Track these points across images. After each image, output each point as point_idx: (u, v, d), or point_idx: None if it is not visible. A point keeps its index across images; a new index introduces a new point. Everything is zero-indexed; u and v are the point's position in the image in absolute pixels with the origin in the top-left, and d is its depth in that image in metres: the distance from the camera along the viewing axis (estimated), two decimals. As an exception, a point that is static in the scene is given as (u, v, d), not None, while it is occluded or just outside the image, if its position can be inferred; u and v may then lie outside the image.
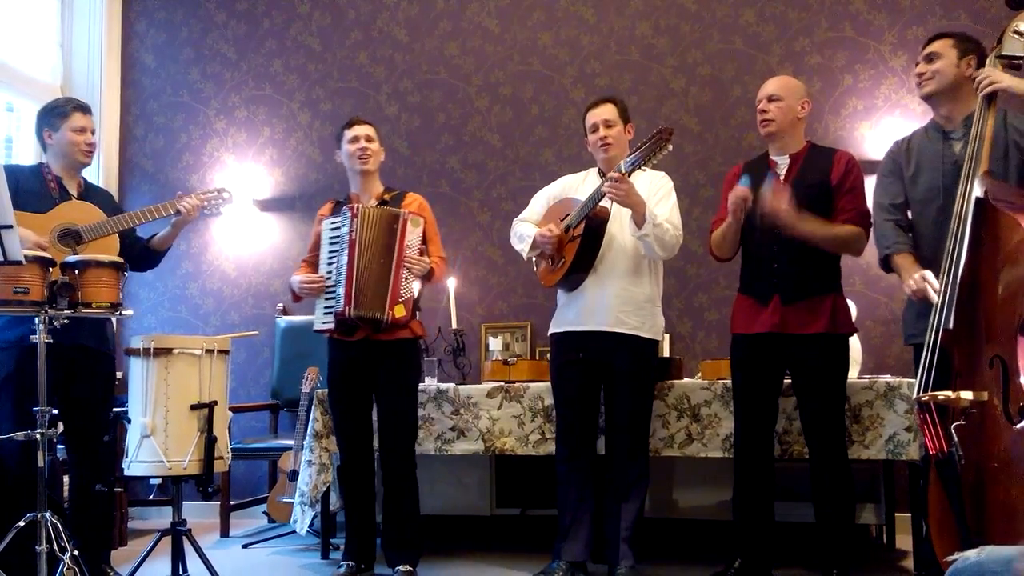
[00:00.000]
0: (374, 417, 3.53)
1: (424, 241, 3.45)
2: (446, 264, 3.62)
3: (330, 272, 3.39)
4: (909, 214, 3.00)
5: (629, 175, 3.06)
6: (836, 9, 4.61)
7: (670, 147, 2.94)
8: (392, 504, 3.44)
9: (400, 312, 3.31)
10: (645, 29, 4.81)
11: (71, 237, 3.20)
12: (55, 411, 3.30)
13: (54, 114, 3.36)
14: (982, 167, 2.60)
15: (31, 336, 2.75)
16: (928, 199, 2.88)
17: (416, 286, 3.39)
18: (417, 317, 3.51)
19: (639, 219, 3.14)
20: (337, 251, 3.38)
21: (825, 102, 4.56)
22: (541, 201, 3.56)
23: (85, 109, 3.42)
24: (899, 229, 2.92)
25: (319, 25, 5.16)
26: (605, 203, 3.19)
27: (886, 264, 2.94)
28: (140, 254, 3.53)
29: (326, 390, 3.65)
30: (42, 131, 3.37)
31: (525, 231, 3.47)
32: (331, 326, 3.37)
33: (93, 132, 3.41)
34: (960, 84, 2.87)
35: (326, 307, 3.39)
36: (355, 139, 3.51)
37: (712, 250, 3.40)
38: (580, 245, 3.24)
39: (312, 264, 3.54)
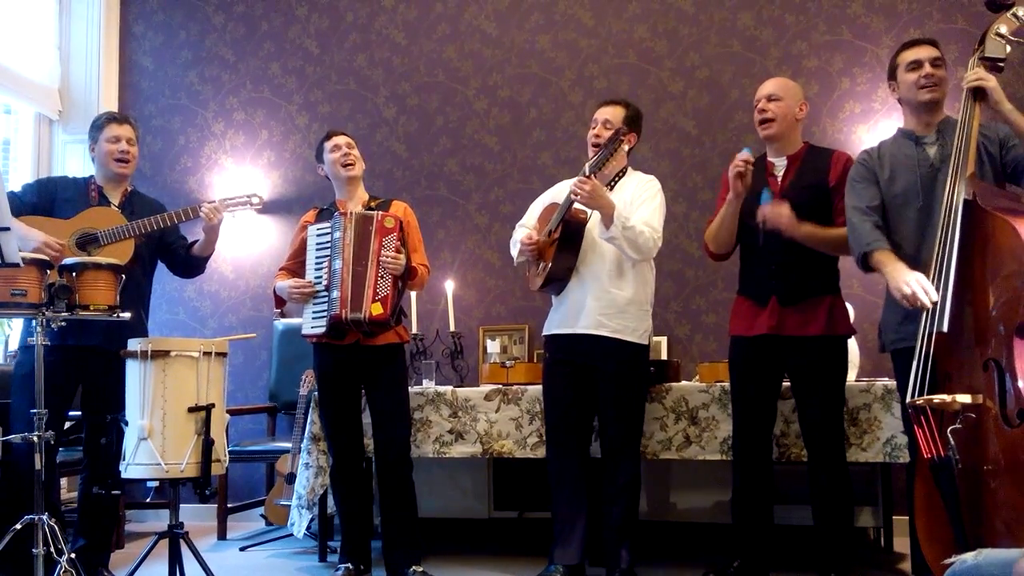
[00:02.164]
0: (364, 421, 3.54)
1: (404, 244, 3.41)
2: (428, 272, 3.61)
3: (319, 277, 3.39)
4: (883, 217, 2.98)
5: (592, 176, 3.11)
6: (834, 12, 4.62)
7: (626, 147, 3.12)
8: (391, 507, 3.44)
9: (377, 309, 3.29)
10: (643, 32, 4.82)
11: (92, 242, 3.27)
12: (74, 412, 3.35)
13: (93, 127, 3.47)
14: (969, 169, 2.61)
15: (41, 338, 2.76)
16: (907, 200, 2.87)
17: (389, 284, 3.33)
18: (403, 323, 3.51)
19: (607, 220, 3.15)
20: (328, 256, 3.38)
21: (823, 105, 4.56)
22: (539, 207, 3.57)
23: (120, 120, 3.49)
24: (877, 228, 2.88)
25: (317, 28, 5.16)
26: (582, 206, 3.20)
27: (864, 262, 2.88)
28: (184, 261, 3.61)
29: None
30: (88, 146, 3.49)
31: (520, 237, 3.49)
32: (322, 330, 3.35)
33: (130, 141, 3.46)
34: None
35: (316, 312, 3.38)
36: (336, 147, 3.52)
37: (707, 245, 3.39)
38: (558, 248, 3.26)
39: (292, 271, 3.54)
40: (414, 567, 3.37)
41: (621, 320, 3.26)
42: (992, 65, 2.75)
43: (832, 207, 3.16)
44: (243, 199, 3.57)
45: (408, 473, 3.46)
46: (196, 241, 3.59)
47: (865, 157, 3.01)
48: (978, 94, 2.71)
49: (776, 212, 3.08)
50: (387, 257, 3.32)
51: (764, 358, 3.21)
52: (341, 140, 3.54)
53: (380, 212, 3.42)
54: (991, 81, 2.67)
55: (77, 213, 3.32)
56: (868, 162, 2.99)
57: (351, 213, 3.39)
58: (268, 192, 5.11)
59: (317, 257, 3.42)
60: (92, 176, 3.49)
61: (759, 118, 3.23)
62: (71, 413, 3.47)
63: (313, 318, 3.38)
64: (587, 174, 3.10)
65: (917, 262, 2.72)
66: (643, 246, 3.21)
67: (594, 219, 3.27)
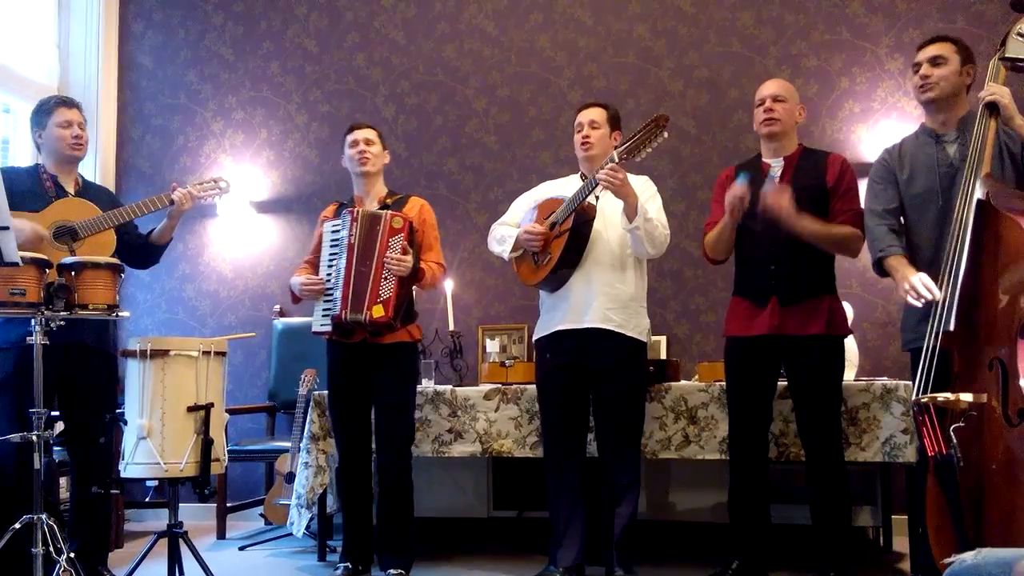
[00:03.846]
0: (372, 419, 3.53)
1: (411, 243, 3.39)
2: (443, 270, 3.59)
3: (329, 275, 3.39)
4: (902, 220, 3.00)
5: (622, 161, 3.04)
6: (833, 12, 4.62)
7: (665, 135, 2.96)
8: (387, 507, 3.44)
9: (378, 312, 3.27)
10: (643, 32, 4.81)
11: (67, 234, 3.20)
12: (53, 412, 3.31)
13: (40, 113, 3.37)
14: (984, 169, 2.61)
15: (29, 337, 2.75)
16: (926, 201, 2.88)
17: (393, 286, 3.31)
18: (416, 321, 3.51)
19: (631, 211, 3.13)
20: (336, 254, 3.39)
21: (822, 105, 4.56)
22: (522, 206, 3.56)
23: (69, 103, 3.40)
24: (892, 233, 2.91)
25: (316, 27, 5.15)
26: (592, 200, 3.19)
27: (879, 267, 2.93)
28: (141, 250, 3.53)
29: (323, 392, 3.66)
30: (33, 132, 3.38)
31: (506, 233, 3.47)
32: (329, 328, 3.36)
33: (81, 126, 3.38)
34: (959, 91, 2.91)
35: (324, 309, 3.39)
36: (354, 143, 3.53)
37: (706, 252, 3.40)
38: (568, 240, 3.22)
39: (313, 265, 3.55)
40: (393, 569, 3.35)
41: (624, 315, 3.26)
42: (1012, 65, 2.74)
43: (830, 209, 3.16)
44: (210, 183, 3.52)
45: (407, 472, 3.45)
46: (153, 229, 3.51)
47: (885, 157, 3.02)
48: (992, 108, 2.70)
49: (777, 200, 3.07)
50: (392, 258, 3.31)
51: (762, 358, 3.21)
52: (360, 135, 3.54)
53: (390, 212, 3.40)
54: (1004, 98, 2.67)
55: (39, 204, 3.22)
56: (888, 162, 2.99)
57: (359, 212, 3.38)
58: (267, 191, 5.11)
59: (330, 254, 3.43)
60: (40, 164, 3.38)
61: (764, 117, 3.23)
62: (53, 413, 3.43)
63: (322, 316, 3.39)
64: (616, 160, 3.03)
65: (936, 263, 2.72)
66: (658, 240, 3.22)
67: (598, 213, 3.25)
